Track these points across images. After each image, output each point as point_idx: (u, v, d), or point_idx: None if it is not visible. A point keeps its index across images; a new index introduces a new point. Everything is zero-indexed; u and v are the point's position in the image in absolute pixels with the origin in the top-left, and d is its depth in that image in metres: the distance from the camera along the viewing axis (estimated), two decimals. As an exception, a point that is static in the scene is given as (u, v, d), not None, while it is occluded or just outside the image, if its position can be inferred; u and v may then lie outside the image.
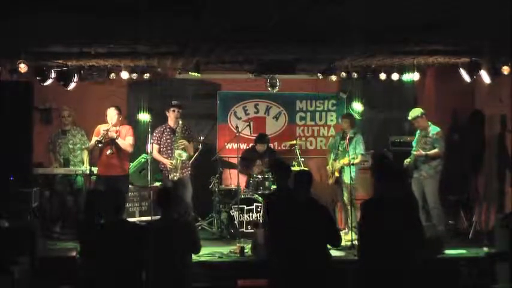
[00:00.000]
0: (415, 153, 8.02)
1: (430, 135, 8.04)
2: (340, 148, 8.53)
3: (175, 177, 8.10)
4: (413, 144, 8.30)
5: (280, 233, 5.15)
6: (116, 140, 7.98)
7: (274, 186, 8.53)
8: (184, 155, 8.16)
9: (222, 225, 8.49)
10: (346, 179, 8.31)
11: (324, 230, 5.09)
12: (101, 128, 8.03)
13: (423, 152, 7.93)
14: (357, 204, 7.78)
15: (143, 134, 8.65)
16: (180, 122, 8.25)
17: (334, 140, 8.88)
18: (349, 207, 8.24)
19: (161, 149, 8.27)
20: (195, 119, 9.15)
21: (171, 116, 8.30)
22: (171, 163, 8.14)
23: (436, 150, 7.97)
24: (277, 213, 5.31)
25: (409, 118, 8.24)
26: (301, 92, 9.94)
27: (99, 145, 7.94)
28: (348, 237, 7.75)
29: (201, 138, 8.77)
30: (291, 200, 5.27)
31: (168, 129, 8.30)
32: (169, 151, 8.25)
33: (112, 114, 8.06)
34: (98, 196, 5.48)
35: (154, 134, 8.28)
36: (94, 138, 8.09)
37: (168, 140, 8.26)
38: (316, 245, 5.05)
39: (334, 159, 8.61)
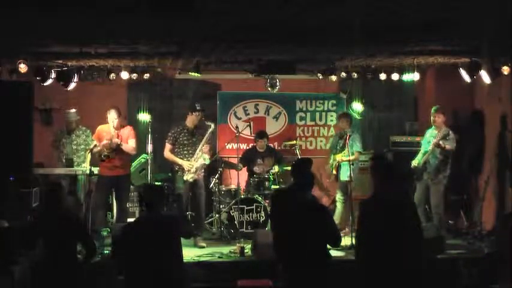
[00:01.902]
0: (435, 141, 7.79)
1: (441, 134, 7.96)
2: (338, 147, 8.56)
3: (190, 179, 7.97)
4: (423, 143, 8.23)
5: (281, 233, 5.16)
6: (121, 147, 7.94)
7: (275, 186, 8.56)
8: (208, 160, 8.11)
9: (222, 225, 8.49)
10: (343, 177, 8.33)
11: (324, 230, 5.09)
12: (103, 131, 8.02)
13: (442, 144, 7.77)
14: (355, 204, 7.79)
15: (143, 134, 8.65)
16: (212, 127, 8.18)
17: (334, 140, 8.90)
18: (345, 205, 8.29)
19: (176, 150, 8.08)
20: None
21: (193, 119, 8.07)
22: (191, 165, 7.98)
23: (448, 146, 7.83)
24: (279, 213, 5.31)
25: (432, 111, 8.15)
26: (301, 92, 9.95)
27: (107, 157, 7.89)
28: (348, 237, 7.75)
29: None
30: (292, 200, 5.26)
31: (185, 131, 8.09)
32: (184, 152, 8.05)
33: (113, 117, 7.98)
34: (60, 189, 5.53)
35: (170, 134, 8.09)
36: (93, 142, 8.07)
37: (185, 141, 8.07)
38: (316, 245, 5.05)
39: (331, 159, 8.66)
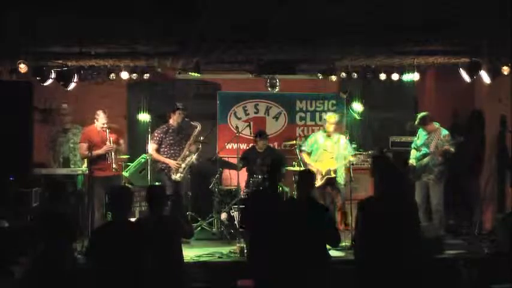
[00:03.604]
0: (445, 148, 7.77)
1: (442, 137, 7.92)
2: (329, 149, 8.36)
3: (178, 178, 8.15)
4: (418, 144, 8.16)
5: (280, 233, 5.15)
6: (118, 148, 8.13)
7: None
8: (195, 159, 8.31)
9: (222, 226, 8.49)
10: (340, 179, 8.30)
11: (323, 230, 5.09)
12: (91, 132, 8.06)
13: (449, 147, 7.75)
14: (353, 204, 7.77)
15: (143, 134, 8.65)
16: (198, 127, 8.36)
17: (315, 140, 8.50)
18: (346, 208, 8.26)
19: (162, 149, 8.23)
20: (195, 119, 9.15)
21: (177, 118, 8.30)
22: (178, 164, 8.15)
23: (452, 149, 7.80)
24: (275, 212, 5.31)
25: (416, 123, 8.16)
26: (301, 92, 9.95)
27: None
28: (347, 237, 7.75)
29: (201, 138, 8.77)
30: (291, 199, 5.27)
31: (171, 130, 8.27)
32: (171, 151, 8.23)
33: (102, 120, 8.06)
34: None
35: (156, 134, 8.22)
36: (84, 146, 8.02)
37: (171, 141, 8.24)
38: (315, 245, 5.05)
39: (316, 160, 8.40)
